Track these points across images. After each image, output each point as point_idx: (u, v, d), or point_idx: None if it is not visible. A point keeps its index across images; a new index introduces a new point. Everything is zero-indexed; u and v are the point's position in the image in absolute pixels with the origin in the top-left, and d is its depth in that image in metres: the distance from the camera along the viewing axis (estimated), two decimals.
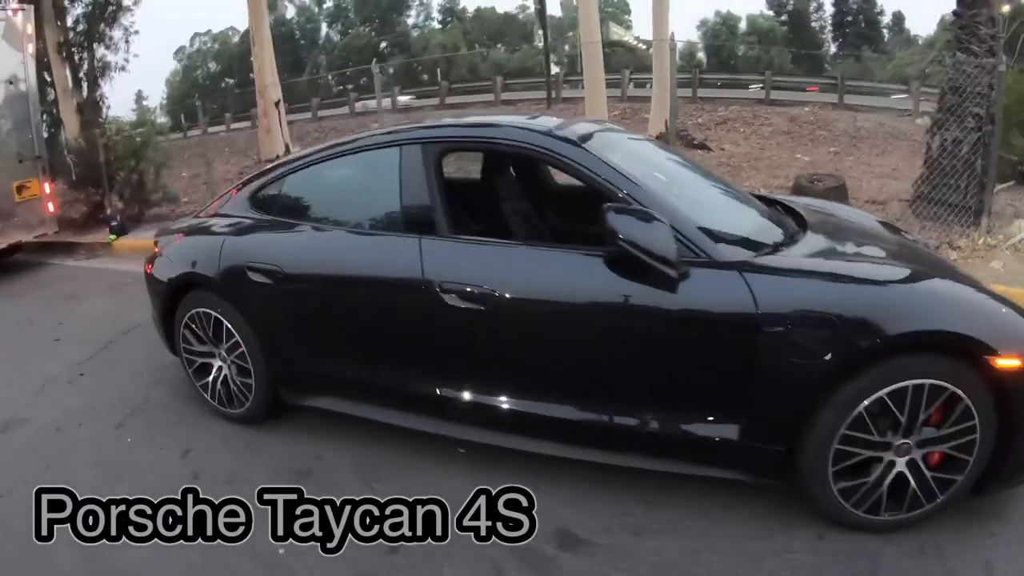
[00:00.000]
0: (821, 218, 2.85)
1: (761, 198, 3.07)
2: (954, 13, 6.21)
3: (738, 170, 8.74)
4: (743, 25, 43.86)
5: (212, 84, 41.83)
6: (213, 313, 2.97)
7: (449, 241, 2.51)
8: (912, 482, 2.06)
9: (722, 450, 2.18)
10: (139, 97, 31.84)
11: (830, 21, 42.46)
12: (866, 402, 1.99)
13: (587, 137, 2.51)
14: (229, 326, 2.93)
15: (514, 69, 33.43)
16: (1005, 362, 1.95)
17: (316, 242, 2.82)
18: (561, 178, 3.79)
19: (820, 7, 42.49)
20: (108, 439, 3.09)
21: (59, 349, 4.38)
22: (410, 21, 48.12)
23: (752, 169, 8.99)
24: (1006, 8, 6.20)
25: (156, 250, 3.40)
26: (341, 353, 2.78)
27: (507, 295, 2.35)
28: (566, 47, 34.00)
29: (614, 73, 17.80)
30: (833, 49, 40.35)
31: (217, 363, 3.07)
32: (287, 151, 12.62)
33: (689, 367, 2.20)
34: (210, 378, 3.11)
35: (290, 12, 46.41)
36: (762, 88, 18.75)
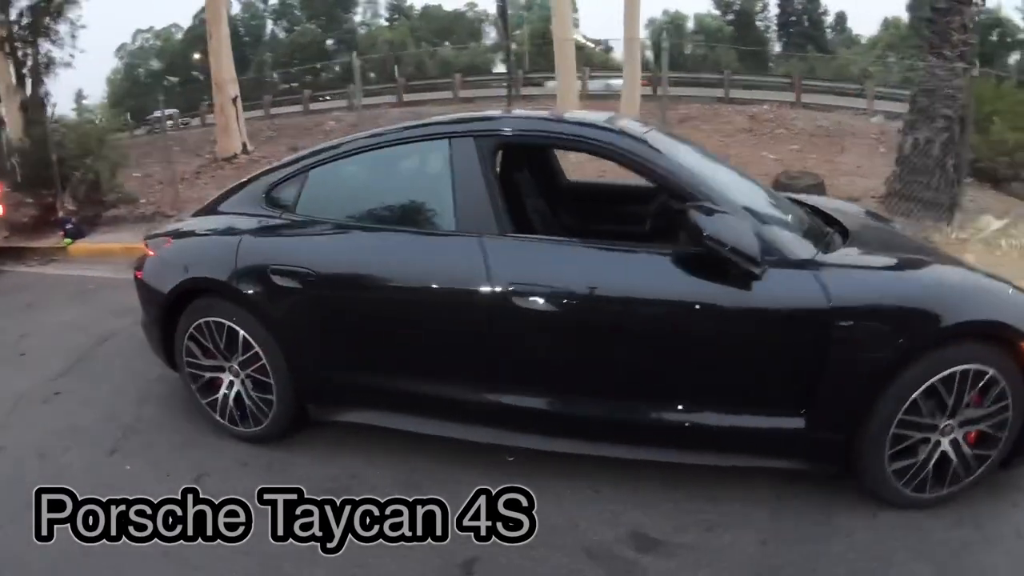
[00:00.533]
0: (849, 216, 2.87)
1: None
2: (928, 19, 6.45)
3: None
4: (691, 24, 44.81)
5: (155, 82, 40.25)
6: (226, 323, 2.71)
7: (517, 241, 2.39)
8: (954, 460, 2.21)
9: (788, 441, 2.25)
10: (79, 96, 30.34)
11: (775, 21, 43.72)
12: (921, 388, 2.12)
13: (651, 135, 2.46)
14: (246, 336, 2.69)
15: (463, 66, 33.19)
16: None
17: (355, 242, 2.62)
18: (572, 175, 3.72)
19: (765, 7, 43.70)
20: (102, 465, 2.79)
21: (26, 364, 4.00)
22: (357, 19, 47.54)
23: None
24: None
25: (148, 253, 3.08)
26: (387, 363, 2.58)
27: (580, 295, 2.29)
28: (513, 45, 34.22)
29: None
30: (778, 48, 41.55)
31: (228, 378, 2.81)
32: (244, 149, 12.23)
33: (762, 363, 2.23)
34: (219, 394, 2.84)
35: (235, 8, 45.13)
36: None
